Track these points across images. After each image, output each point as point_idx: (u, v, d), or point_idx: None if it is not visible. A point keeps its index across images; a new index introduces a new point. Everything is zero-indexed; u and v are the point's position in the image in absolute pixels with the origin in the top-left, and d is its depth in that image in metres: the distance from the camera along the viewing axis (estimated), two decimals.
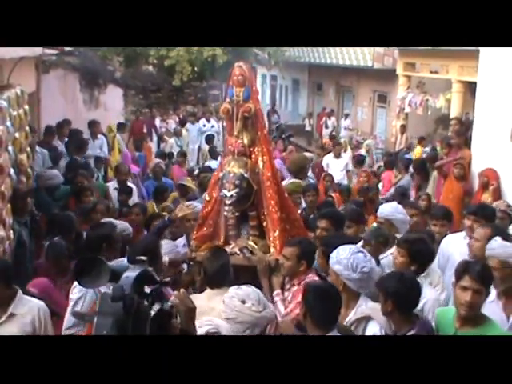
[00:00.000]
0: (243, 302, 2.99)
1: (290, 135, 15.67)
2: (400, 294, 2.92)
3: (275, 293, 3.70)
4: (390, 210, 4.95)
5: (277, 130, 16.66)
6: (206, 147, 12.56)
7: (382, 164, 10.33)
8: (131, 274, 1.88)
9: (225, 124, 4.45)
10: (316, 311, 2.79)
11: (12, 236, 5.06)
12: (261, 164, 4.36)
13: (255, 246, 4.23)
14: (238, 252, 4.22)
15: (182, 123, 14.79)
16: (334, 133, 17.56)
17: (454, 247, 4.49)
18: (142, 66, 17.03)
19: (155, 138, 14.30)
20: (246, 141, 4.37)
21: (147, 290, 2.00)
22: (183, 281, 4.09)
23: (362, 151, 12.78)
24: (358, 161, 10.45)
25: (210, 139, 12.41)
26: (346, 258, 3.14)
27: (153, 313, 1.88)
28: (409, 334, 2.93)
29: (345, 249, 3.19)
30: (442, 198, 7.95)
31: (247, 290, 3.02)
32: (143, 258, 2.03)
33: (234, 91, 4.30)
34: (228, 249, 4.18)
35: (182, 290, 2.29)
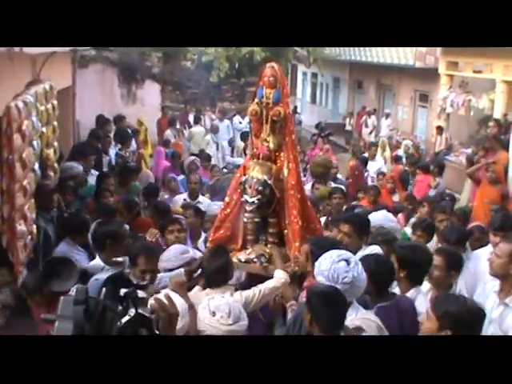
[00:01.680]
0: (213, 313, 2.91)
1: (329, 133, 15.63)
2: (377, 273, 3.19)
3: (289, 304, 3.62)
4: (380, 218, 4.91)
5: (316, 128, 16.63)
6: (241, 144, 12.46)
7: (407, 168, 10.01)
8: (102, 276, 1.72)
9: (252, 125, 4.37)
10: (322, 317, 2.73)
11: (35, 231, 5.07)
12: (286, 171, 4.26)
13: (275, 254, 4.15)
14: (255, 259, 4.15)
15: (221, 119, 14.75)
16: (373, 132, 17.55)
17: (482, 264, 4.18)
18: (180, 62, 17.21)
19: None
20: (272, 145, 4.29)
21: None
22: (196, 283, 3.91)
23: (401, 151, 12.46)
24: (396, 161, 10.44)
25: (245, 137, 11.97)
26: (326, 270, 3.02)
27: (126, 319, 1.72)
28: (378, 305, 3.25)
29: (326, 258, 3.05)
30: (477, 203, 7.76)
31: (218, 302, 2.94)
32: (119, 259, 1.89)
33: (264, 92, 4.24)
34: (244, 255, 4.16)
35: (165, 292, 2.14)
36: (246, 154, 4.58)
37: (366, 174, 9.28)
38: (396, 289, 3.72)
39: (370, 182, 9.16)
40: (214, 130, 13.30)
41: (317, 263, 3.12)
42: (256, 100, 4.25)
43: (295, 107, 20.17)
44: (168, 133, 12.26)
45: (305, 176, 7.98)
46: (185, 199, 6.79)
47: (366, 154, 10.22)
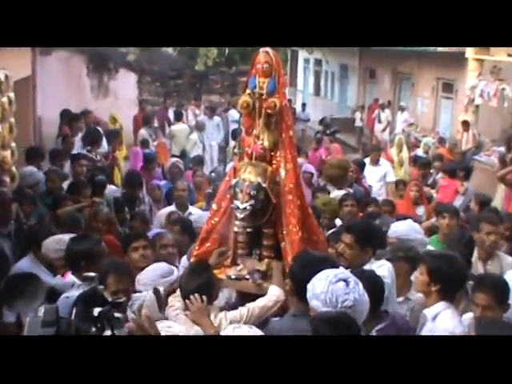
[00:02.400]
0: None
1: (335, 131, 15.82)
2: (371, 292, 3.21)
3: None
4: (405, 228, 4.94)
5: (321, 124, 16.81)
6: (231, 145, 12.48)
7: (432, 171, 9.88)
8: (73, 293, 1.83)
9: (243, 120, 4.40)
10: None
11: None
12: (283, 173, 4.29)
13: (274, 267, 4.21)
14: (248, 276, 4.17)
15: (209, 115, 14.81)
16: (387, 129, 17.63)
17: None
18: (161, 48, 17.06)
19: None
20: (266, 143, 4.33)
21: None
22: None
23: (420, 151, 12.53)
24: (414, 163, 10.32)
25: (236, 134, 12.27)
26: (322, 293, 3.00)
27: None
28: (377, 327, 3.46)
29: (321, 279, 3.02)
30: (511, 209, 7.80)
31: (173, 327, 2.99)
32: (92, 274, 2.05)
33: (257, 82, 4.28)
34: (235, 271, 4.19)
35: (144, 312, 2.26)
36: (235, 154, 4.60)
37: (363, 181, 8.78)
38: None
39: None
40: (200, 128, 13.37)
41: (309, 285, 3.08)
42: (248, 91, 4.30)
43: (303, 104, 20.95)
44: (142, 132, 12.11)
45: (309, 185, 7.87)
46: (172, 212, 6.74)
47: (368, 159, 9.94)
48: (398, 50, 16.87)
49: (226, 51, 16.91)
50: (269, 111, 4.25)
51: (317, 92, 26.11)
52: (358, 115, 20.62)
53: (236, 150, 4.70)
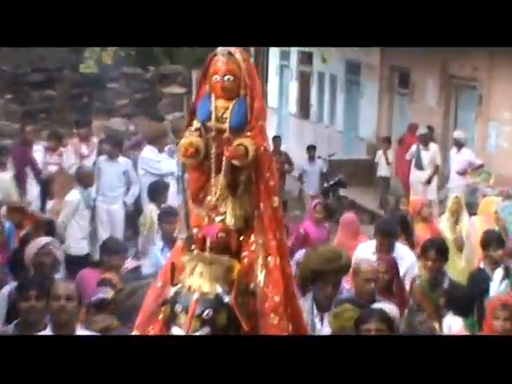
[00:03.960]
0: None
1: (339, 183, 14.06)
2: None
3: None
4: None
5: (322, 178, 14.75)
6: (150, 210, 9.09)
7: None
8: None
9: (187, 177, 4.01)
10: None
11: None
12: (261, 275, 3.68)
13: None
14: None
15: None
16: (435, 179, 14.08)
17: None
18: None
19: (36, 188, 11.54)
20: (231, 220, 3.75)
21: None
22: None
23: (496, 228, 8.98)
24: (487, 246, 7.43)
25: (159, 191, 9.01)
26: None
27: None
28: None
29: None
30: None
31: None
32: None
33: (213, 107, 3.73)
34: None
35: None
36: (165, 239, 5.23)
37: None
38: None
39: None
40: (87, 179, 10.25)
41: None
42: (195, 124, 3.80)
43: (311, 148, 15.71)
44: (72, 198, 10.06)
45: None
46: None
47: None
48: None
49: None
50: (235, 163, 3.68)
51: (303, 112, 21.70)
52: (380, 155, 16.28)
53: (176, 233, 4.55)
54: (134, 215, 11.38)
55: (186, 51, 17.27)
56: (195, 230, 3.85)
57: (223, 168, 3.75)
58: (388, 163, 15.79)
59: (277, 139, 15.46)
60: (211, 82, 3.76)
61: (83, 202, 10.19)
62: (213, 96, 3.76)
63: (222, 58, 3.74)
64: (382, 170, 16.12)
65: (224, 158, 3.74)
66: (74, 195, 10.25)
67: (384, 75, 18.02)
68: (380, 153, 16.11)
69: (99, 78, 16.20)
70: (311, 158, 15.18)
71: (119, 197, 11.47)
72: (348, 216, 8.60)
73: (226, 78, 3.69)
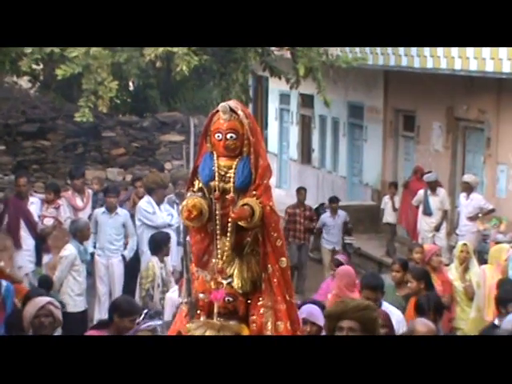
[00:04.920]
0: None
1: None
2: None
3: None
4: None
5: (315, 218, 14.20)
6: (152, 263, 9.03)
7: None
8: None
9: (189, 240, 3.90)
10: None
11: None
12: None
13: None
14: None
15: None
16: (443, 225, 13.76)
17: None
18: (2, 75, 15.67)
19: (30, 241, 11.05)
20: (237, 283, 3.71)
21: None
22: None
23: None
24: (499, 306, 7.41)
25: (161, 244, 9.10)
26: None
27: None
28: None
29: None
30: None
31: None
32: None
33: (215, 166, 3.72)
34: None
35: None
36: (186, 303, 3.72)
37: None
38: None
39: None
40: (79, 232, 9.87)
41: None
42: (197, 183, 3.81)
43: (327, 204, 15.29)
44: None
45: None
46: None
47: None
48: (454, 77, 14.46)
49: (132, 84, 16.80)
50: (241, 224, 3.67)
51: (305, 157, 21.20)
52: (386, 201, 15.87)
53: (183, 297, 3.98)
54: (132, 269, 11.11)
55: (184, 96, 17.30)
56: (201, 295, 3.79)
57: (229, 229, 3.69)
58: (395, 209, 15.33)
59: (301, 191, 14.51)
60: (213, 140, 3.70)
61: (79, 256, 10.04)
62: (215, 155, 3.70)
63: (224, 115, 3.67)
64: (389, 217, 15.74)
65: (229, 220, 3.68)
66: (70, 250, 10.05)
67: (388, 118, 17.69)
68: (386, 198, 15.76)
69: (94, 127, 15.98)
70: (333, 211, 14.25)
71: (118, 250, 11.26)
72: (344, 268, 8.53)
73: (228, 136, 3.64)
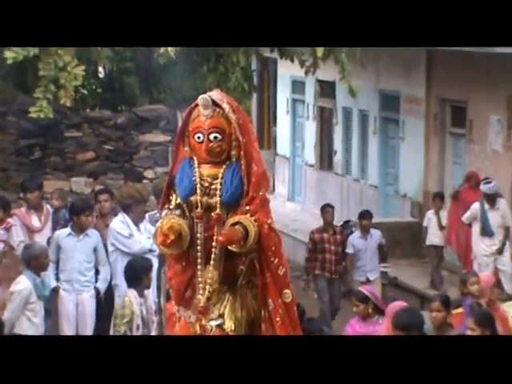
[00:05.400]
0: None
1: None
2: None
3: None
4: None
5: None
6: (129, 298, 9.11)
7: None
8: None
9: (166, 269, 3.96)
10: None
11: None
12: None
13: None
14: None
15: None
16: (506, 245, 13.82)
17: None
18: None
19: None
20: (229, 325, 3.79)
21: None
22: None
23: None
24: None
25: (141, 273, 8.88)
26: None
27: None
28: None
29: None
30: None
31: None
32: None
33: (196, 175, 3.72)
34: None
35: None
36: None
37: None
38: None
39: None
40: (34, 260, 9.83)
41: None
42: (174, 200, 3.81)
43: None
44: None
45: None
46: None
47: None
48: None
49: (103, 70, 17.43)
50: (233, 249, 3.68)
51: (325, 161, 20.98)
52: (430, 217, 15.65)
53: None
54: (105, 307, 11.04)
55: (170, 85, 17.36)
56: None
57: (214, 256, 3.67)
58: (442, 227, 15.34)
59: (327, 210, 14.08)
60: (192, 142, 3.70)
61: (35, 291, 9.86)
62: (195, 161, 3.70)
63: (205, 110, 3.70)
64: (434, 237, 15.76)
65: (214, 244, 3.66)
66: (23, 283, 9.91)
67: (431, 110, 17.73)
68: (430, 214, 15.71)
69: (55, 125, 16.11)
70: (365, 230, 13.88)
71: (90, 282, 11.05)
72: (396, 305, 8.55)
73: (211, 136, 3.72)
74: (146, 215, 11.54)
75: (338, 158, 21.09)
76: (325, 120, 21.65)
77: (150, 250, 10.95)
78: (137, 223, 11.34)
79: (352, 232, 14.29)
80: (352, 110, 20.04)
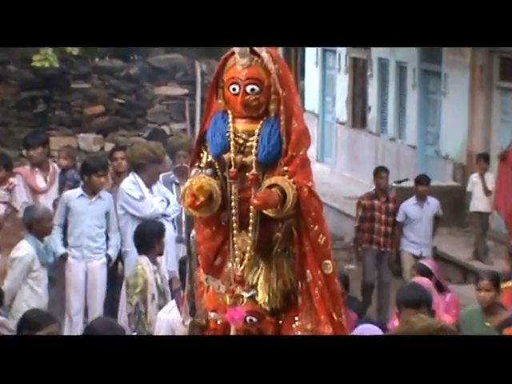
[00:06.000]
0: None
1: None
2: None
3: None
4: None
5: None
6: (141, 266, 9.02)
7: None
8: None
9: (194, 234, 4.03)
10: None
11: None
12: None
13: None
14: None
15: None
16: None
17: None
18: None
19: None
20: (263, 297, 3.85)
21: None
22: None
23: None
24: None
25: (152, 239, 9.02)
26: None
27: None
28: None
29: None
30: None
31: None
32: None
33: (230, 130, 3.83)
34: None
35: None
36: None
37: None
38: None
39: None
40: (37, 224, 9.87)
41: None
42: (205, 156, 3.95)
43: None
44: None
45: None
46: None
47: None
48: None
49: None
50: (269, 213, 3.78)
51: (358, 118, 21.25)
52: (474, 181, 15.55)
53: (183, 317, 4.09)
54: (114, 276, 11.18)
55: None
56: (212, 315, 3.94)
57: (250, 221, 3.83)
58: (487, 192, 15.23)
59: (381, 174, 13.45)
60: (227, 94, 3.85)
61: (38, 258, 9.84)
62: (230, 115, 3.82)
63: (242, 59, 3.77)
64: (479, 203, 15.73)
65: (251, 208, 3.80)
66: (25, 249, 9.85)
67: (477, 63, 17.58)
68: (474, 177, 15.61)
69: (61, 76, 16.15)
70: (421, 197, 13.44)
71: (101, 249, 11.00)
72: (420, 281, 8.62)
73: (248, 88, 3.76)
74: (160, 176, 11.22)
75: (372, 115, 20.91)
76: (358, 72, 21.40)
77: (164, 215, 10.90)
78: (149, 185, 11.15)
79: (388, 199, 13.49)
80: (388, 61, 19.87)
